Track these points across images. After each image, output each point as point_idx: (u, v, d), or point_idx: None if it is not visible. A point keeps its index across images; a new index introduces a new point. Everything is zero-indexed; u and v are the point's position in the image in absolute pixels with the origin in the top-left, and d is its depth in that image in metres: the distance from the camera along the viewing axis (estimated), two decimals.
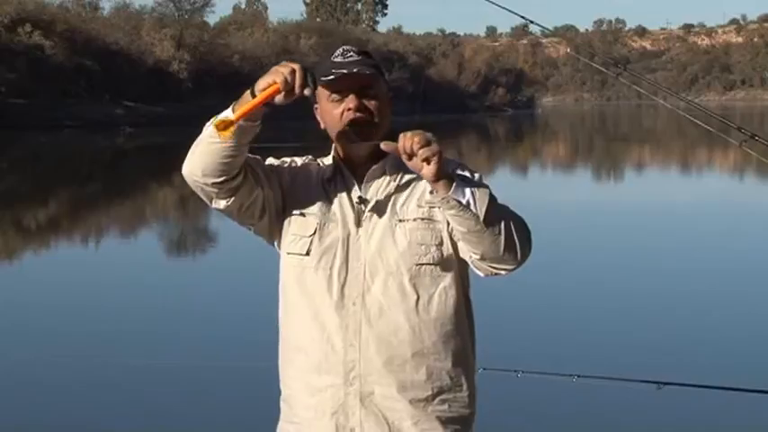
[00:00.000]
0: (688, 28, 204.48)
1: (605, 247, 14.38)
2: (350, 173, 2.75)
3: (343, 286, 2.69)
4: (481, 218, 2.53)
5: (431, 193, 2.59)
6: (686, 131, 50.36)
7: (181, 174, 2.68)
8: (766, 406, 5.94)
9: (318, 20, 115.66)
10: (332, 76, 2.65)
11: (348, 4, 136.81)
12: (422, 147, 2.49)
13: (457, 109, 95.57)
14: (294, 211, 2.75)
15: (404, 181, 2.73)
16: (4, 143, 41.65)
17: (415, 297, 2.68)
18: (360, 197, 2.72)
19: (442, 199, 2.53)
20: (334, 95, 2.68)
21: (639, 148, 45.91)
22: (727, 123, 4.83)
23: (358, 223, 2.71)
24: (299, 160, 2.82)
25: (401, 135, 2.52)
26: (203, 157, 2.61)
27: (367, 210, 2.71)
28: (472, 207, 2.53)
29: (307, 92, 2.54)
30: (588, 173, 33.55)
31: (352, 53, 2.69)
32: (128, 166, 35.05)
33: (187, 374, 7.57)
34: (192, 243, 14.73)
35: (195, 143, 2.65)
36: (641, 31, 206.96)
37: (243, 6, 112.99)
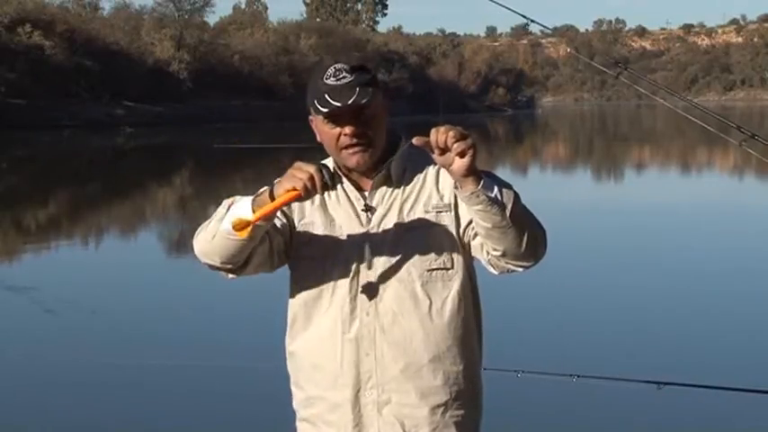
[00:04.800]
0: (688, 28, 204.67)
1: (605, 246, 14.37)
2: (352, 181, 2.73)
3: (355, 297, 2.67)
4: (507, 213, 2.52)
5: (456, 188, 2.55)
6: (686, 131, 50.38)
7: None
8: (766, 406, 5.94)
9: (318, 20, 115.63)
10: (326, 110, 2.60)
11: (348, 4, 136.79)
12: (457, 141, 2.45)
13: (457, 109, 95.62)
14: (302, 236, 2.73)
15: (409, 186, 2.71)
16: (4, 143, 41.66)
17: (428, 303, 2.67)
18: (366, 205, 2.70)
19: (472, 194, 2.50)
20: (330, 118, 2.64)
21: (639, 149, 45.92)
22: (727, 123, 4.83)
23: (366, 232, 2.69)
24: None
25: (433, 130, 2.48)
26: (220, 249, 2.64)
27: (374, 217, 2.69)
28: (500, 199, 2.52)
29: (329, 188, 2.56)
30: (588, 173, 33.55)
31: (344, 74, 2.60)
32: (128, 166, 35.04)
33: (187, 374, 7.57)
34: (191, 243, 14.70)
35: (210, 231, 2.65)
36: (641, 31, 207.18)
37: (243, 6, 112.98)
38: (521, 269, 2.65)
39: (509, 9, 4.75)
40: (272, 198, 2.55)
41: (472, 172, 2.48)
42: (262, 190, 2.62)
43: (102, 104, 60.11)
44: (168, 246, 16.06)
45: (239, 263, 2.68)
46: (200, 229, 2.71)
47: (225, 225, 2.60)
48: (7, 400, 7.11)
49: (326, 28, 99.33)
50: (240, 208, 2.60)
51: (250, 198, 2.61)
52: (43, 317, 9.84)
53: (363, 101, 2.59)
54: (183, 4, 76.71)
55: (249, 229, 2.56)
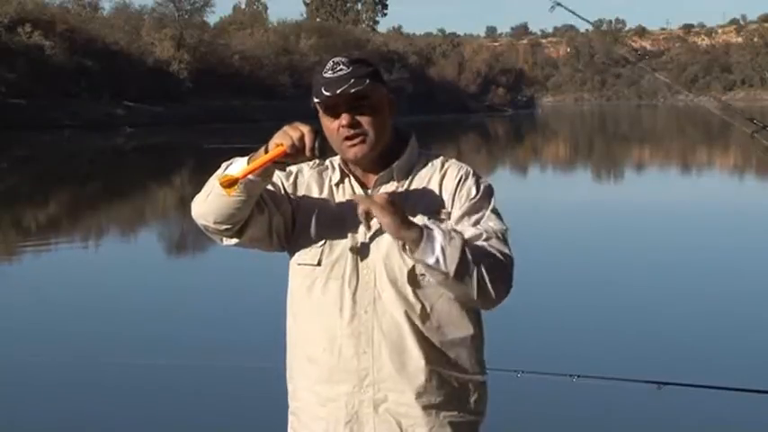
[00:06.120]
0: (688, 28, 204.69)
1: (605, 246, 14.37)
2: (357, 178, 2.74)
3: (354, 294, 2.68)
4: (451, 274, 2.54)
5: (404, 248, 2.59)
6: (687, 130, 50.37)
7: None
8: (766, 406, 5.94)
9: (318, 20, 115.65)
10: (318, 99, 2.64)
11: (348, 4, 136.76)
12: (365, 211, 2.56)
13: (457, 109, 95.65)
14: (304, 223, 2.74)
15: (412, 188, 2.71)
16: (4, 143, 41.66)
17: (422, 304, 2.67)
18: None
19: (411, 257, 2.57)
20: (328, 110, 2.67)
21: (640, 148, 45.92)
22: (739, 115, 4.88)
23: (366, 230, 2.69)
24: (306, 169, 2.79)
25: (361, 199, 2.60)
26: (215, 206, 2.64)
27: (374, 217, 2.69)
28: (441, 265, 2.53)
29: (317, 153, 2.55)
30: (588, 173, 33.56)
31: (341, 66, 2.63)
32: (128, 166, 35.04)
33: (187, 374, 7.57)
34: (191, 243, 14.73)
35: (207, 189, 2.66)
36: (641, 32, 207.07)
37: (243, 6, 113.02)
38: (482, 308, 2.69)
39: None
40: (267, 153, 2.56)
41: (398, 239, 2.55)
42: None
43: (102, 104, 60.11)
44: (168, 246, 16.06)
45: (235, 225, 2.66)
46: (199, 192, 2.71)
47: (217, 182, 2.60)
48: (7, 399, 7.11)
49: (326, 28, 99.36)
50: (235, 166, 2.61)
51: (247, 157, 2.62)
52: (43, 317, 9.83)
53: (354, 90, 2.60)
54: (183, 4, 76.74)
55: (236, 187, 2.55)
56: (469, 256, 2.55)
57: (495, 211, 2.70)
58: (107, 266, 13.43)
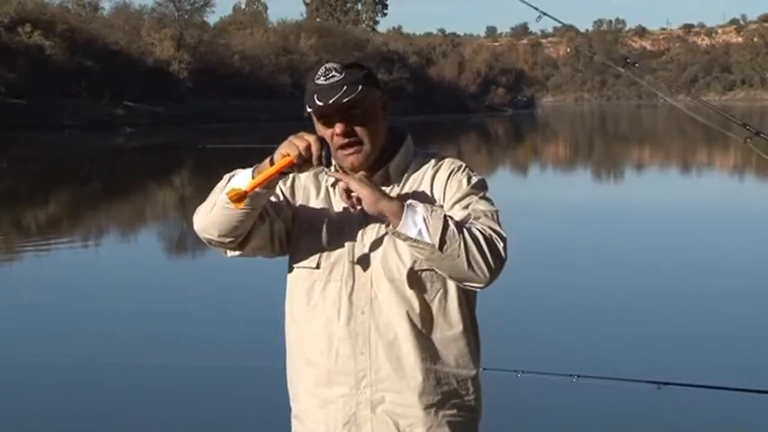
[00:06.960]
0: (688, 28, 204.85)
1: (606, 246, 14.36)
2: None
3: (350, 295, 2.68)
4: (436, 245, 2.51)
5: (386, 225, 2.59)
6: (688, 131, 50.39)
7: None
8: (766, 406, 5.94)
9: (318, 20, 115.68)
10: (310, 109, 2.63)
11: (348, 4, 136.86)
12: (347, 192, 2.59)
13: (457, 109, 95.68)
14: (302, 226, 2.75)
15: (407, 187, 2.72)
16: (4, 143, 41.67)
17: (419, 303, 2.67)
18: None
19: (393, 232, 2.55)
20: (322, 119, 2.67)
21: (640, 149, 45.91)
22: (732, 120, 4.86)
23: (362, 231, 2.69)
24: (302, 173, 2.79)
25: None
26: (219, 219, 2.64)
27: (370, 218, 2.69)
28: (425, 236, 2.51)
29: (324, 162, 2.56)
30: (588, 173, 33.54)
31: (334, 73, 2.63)
32: (128, 166, 35.04)
33: (187, 374, 7.57)
34: (191, 243, 14.71)
35: (210, 201, 2.66)
36: (641, 32, 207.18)
37: (243, 6, 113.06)
38: (476, 288, 2.63)
39: (525, 2, 4.79)
40: (272, 165, 2.57)
41: (377, 212, 2.55)
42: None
43: (102, 104, 60.17)
44: (168, 246, 16.06)
45: (239, 237, 2.67)
46: (200, 205, 2.71)
47: (223, 195, 2.60)
48: (7, 399, 7.11)
49: (326, 28, 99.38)
50: (240, 179, 2.61)
51: (251, 169, 2.62)
52: (43, 317, 9.83)
53: (346, 99, 2.59)
54: (183, 4, 76.77)
55: (245, 200, 2.56)
56: (453, 226, 2.53)
57: (485, 198, 2.69)
58: (107, 266, 13.43)
